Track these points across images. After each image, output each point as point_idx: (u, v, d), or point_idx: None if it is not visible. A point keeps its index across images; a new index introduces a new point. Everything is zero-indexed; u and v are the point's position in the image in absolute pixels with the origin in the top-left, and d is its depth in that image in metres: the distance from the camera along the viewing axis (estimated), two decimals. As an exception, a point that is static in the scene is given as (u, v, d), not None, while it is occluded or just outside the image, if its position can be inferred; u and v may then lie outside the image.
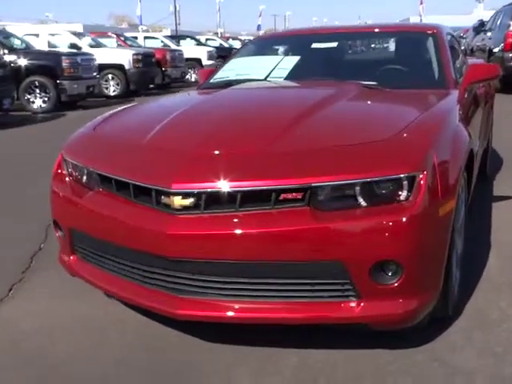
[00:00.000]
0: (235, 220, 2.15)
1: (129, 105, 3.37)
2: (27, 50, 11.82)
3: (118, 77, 14.07)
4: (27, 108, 11.35)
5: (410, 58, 3.70)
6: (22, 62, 11.25)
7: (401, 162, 2.16)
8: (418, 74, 3.47)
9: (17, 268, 3.38)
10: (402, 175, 2.12)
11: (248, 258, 2.14)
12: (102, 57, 13.43)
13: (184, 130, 2.58)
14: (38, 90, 11.35)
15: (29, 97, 11.34)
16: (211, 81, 3.84)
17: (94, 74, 12.48)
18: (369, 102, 2.97)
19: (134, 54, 14.15)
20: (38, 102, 11.38)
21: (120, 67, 13.99)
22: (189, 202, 2.19)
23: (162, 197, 2.24)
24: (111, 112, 3.10)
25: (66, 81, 11.38)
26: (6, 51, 11.29)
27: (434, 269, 2.23)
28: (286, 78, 3.55)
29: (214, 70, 4.08)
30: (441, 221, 2.21)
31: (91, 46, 14.25)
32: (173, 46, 18.75)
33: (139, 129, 2.66)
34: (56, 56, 11.64)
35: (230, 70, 3.88)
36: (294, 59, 3.71)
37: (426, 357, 2.33)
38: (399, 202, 2.13)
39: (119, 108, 3.24)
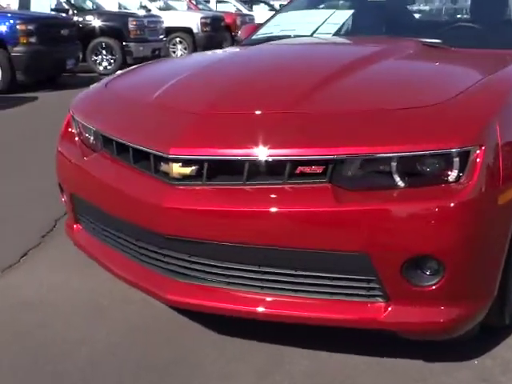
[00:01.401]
0: (241, 195, 1.78)
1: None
2: (95, 11, 11.76)
3: (185, 40, 13.81)
4: (94, 69, 11.33)
5: (484, 11, 3.11)
6: (90, 22, 11.20)
7: (452, 132, 1.70)
8: (493, 30, 2.88)
9: (38, 231, 3.17)
10: (452, 150, 1.67)
11: (253, 241, 1.76)
12: (170, 20, 13.18)
13: (197, 87, 2.20)
14: (104, 52, 11.29)
15: (95, 58, 11.29)
16: (253, 37, 3.43)
17: (161, 36, 12.27)
18: (424, 62, 2.46)
19: (202, 18, 13.80)
20: (104, 64, 11.34)
21: (188, 31, 13.70)
22: (189, 170, 1.83)
23: (161, 163, 1.90)
24: (132, 67, 2.78)
25: (132, 43, 11.24)
26: (75, 11, 11.29)
27: (486, 270, 1.77)
28: (334, 34, 3.09)
29: (258, 25, 3.67)
30: (500, 211, 1.74)
31: (161, 9, 14.05)
32: (244, 11, 18.28)
33: (151, 86, 2.30)
34: (123, 17, 11.50)
35: (275, 26, 3.44)
36: (346, 13, 3.24)
37: (472, 375, 1.90)
38: (447, 183, 1.68)
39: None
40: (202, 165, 1.81)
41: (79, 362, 2.01)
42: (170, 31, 13.13)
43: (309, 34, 3.14)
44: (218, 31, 14.51)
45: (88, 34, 11.15)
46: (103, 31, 11.24)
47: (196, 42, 13.79)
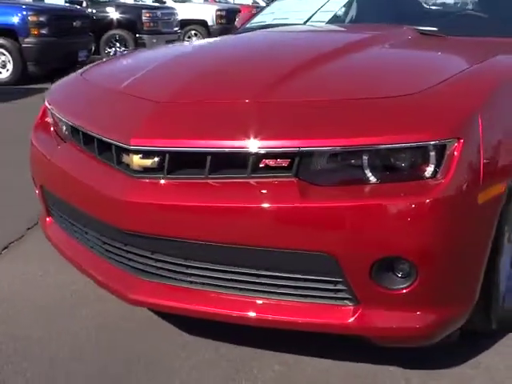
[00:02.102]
0: (203, 189, 1.67)
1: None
2: (110, 3, 11.72)
3: (200, 33, 13.70)
4: (107, 62, 11.32)
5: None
6: (104, 14, 11.17)
7: (427, 124, 1.57)
8: (493, 18, 2.71)
9: (25, 223, 3.11)
10: (427, 143, 1.54)
11: (213, 239, 1.66)
12: (185, 12, 13.09)
13: (165, 76, 2.08)
14: (118, 44, 11.26)
15: (109, 50, 11.26)
16: (247, 26, 3.31)
17: (175, 29, 12.19)
18: (413, 50, 2.32)
19: (217, 10, 13.68)
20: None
21: (203, 23, 13.60)
22: (150, 162, 1.72)
23: (123, 155, 1.80)
24: (111, 57, 2.69)
25: (146, 35, 11.19)
26: (88, 3, 11.27)
27: (465, 274, 1.64)
28: (328, 22, 2.96)
29: (253, 14, 3.55)
30: (480, 210, 1.60)
31: (176, 1, 13.96)
32: (262, 3, 18.11)
33: (123, 75, 2.20)
34: (137, 9, 11.45)
35: (269, 14, 3.32)
36: (342, 1, 3.10)
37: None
38: (422, 179, 1.56)
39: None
40: (163, 157, 1.71)
41: (39, 360, 1.93)
42: (184, 24, 13.05)
43: (301, 22, 3.01)
44: (234, 23, 14.40)
45: (102, 25, 11.12)
46: (117, 23, 11.20)
47: (211, 34, 13.68)
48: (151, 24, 11.29)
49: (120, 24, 11.18)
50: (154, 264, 1.80)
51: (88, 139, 1.98)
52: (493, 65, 1.96)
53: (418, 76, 1.85)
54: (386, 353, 1.87)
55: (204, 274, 1.73)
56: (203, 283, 1.75)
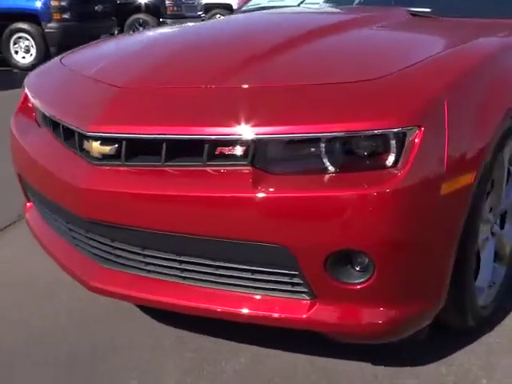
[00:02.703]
0: (159, 177, 1.62)
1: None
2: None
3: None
4: (131, 46, 11.34)
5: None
6: (128, -1, 11.20)
7: (388, 110, 1.48)
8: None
9: (16, 211, 3.12)
10: (386, 130, 1.45)
11: (169, 228, 1.61)
12: (210, -5, 13.02)
13: (135, 60, 2.02)
14: (141, 28, 11.26)
15: (133, 35, 11.31)
16: (243, 8, 3.23)
17: (199, 13, 12.12)
18: (398, 32, 2.19)
19: (242, -7, 13.59)
20: (141, 41, 11.33)
21: (228, 7, 13.44)
22: (108, 149, 1.68)
23: (84, 141, 1.76)
24: (93, 42, 2.65)
25: (169, 19, 11.16)
26: (112, -13, 11.30)
27: (429, 269, 1.55)
28: (323, 3, 2.85)
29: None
30: (444, 202, 1.50)
31: (201, -15, 13.88)
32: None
33: (97, 61, 2.16)
34: (160, -7, 11.44)
35: (268, -5, 3.23)
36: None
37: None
38: (382, 168, 1.47)
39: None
40: (121, 143, 1.67)
41: (16, 343, 1.94)
42: (209, 7, 12.95)
43: (296, 3, 2.91)
44: (260, 7, 14.25)
45: (126, 10, 11.15)
46: (140, 8, 11.21)
47: (236, 19, 13.57)
48: (174, 8, 11.28)
49: (144, 8, 11.20)
50: (113, 252, 1.77)
51: (56, 125, 1.95)
52: (472, 47, 1.84)
53: (391, 59, 1.75)
54: (357, 348, 1.80)
55: (161, 263, 1.69)
56: (161, 273, 1.71)
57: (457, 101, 1.55)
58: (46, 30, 8.85)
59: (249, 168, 1.54)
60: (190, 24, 2.83)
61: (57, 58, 2.40)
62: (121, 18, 10.64)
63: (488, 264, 1.91)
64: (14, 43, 9.01)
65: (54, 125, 1.98)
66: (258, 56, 1.80)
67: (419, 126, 1.45)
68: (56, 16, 8.96)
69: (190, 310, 1.67)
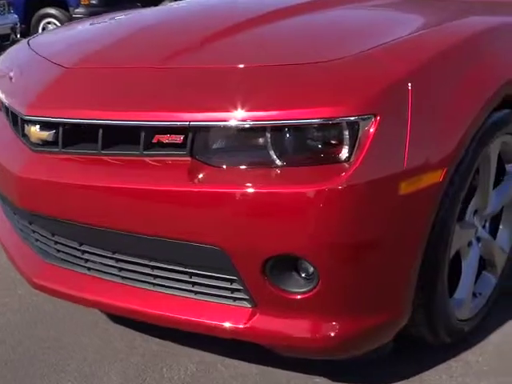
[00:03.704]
0: (96, 166, 1.48)
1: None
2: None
3: None
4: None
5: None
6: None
7: (340, 96, 1.29)
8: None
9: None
10: (339, 119, 1.27)
11: (103, 223, 1.47)
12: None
13: (88, 42, 1.86)
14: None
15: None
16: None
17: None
18: (369, 11, 1.93)
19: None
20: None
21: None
22: (46, 134, 1.55)
23: (25, 126, 1.64)
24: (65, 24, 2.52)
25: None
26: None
27: (385, 280, 1.36)
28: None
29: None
30: (403, 202, 1.31)
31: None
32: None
33: (62, 41, 2.03)
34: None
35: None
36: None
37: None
38: (335, 163, 1.29)
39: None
40: (58, 129, 1.53)
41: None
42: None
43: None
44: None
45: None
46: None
47: None
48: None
49: (175, -5, 11.12)
50: (54, 246, 1.65)
51: (7, 111, 1.83)
52: (450, 28, 1.61)
53: (355, 40, 1.54)
54: (315, 363, 1.63)
55: (99, 261, 1.56)
56: (99, 271, 1.57)
57: (425, 87, 1.35)
58: (74, 16, 8.85)
59: (188, 159, 1.38)
60: (155, 8, 2.65)
61: (25, 40, 2.28)
62: (145, 5, 10.57)
63: (470, 272, 1.70)
64: (43, 28, 9.06)
65: (6, 109, 1.86)
66: (205, 38, 1.62)
67: (374, 115, 1.26)
68: (84, 1, 8.97)
69: (127, 312, 1.53)
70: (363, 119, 1.26)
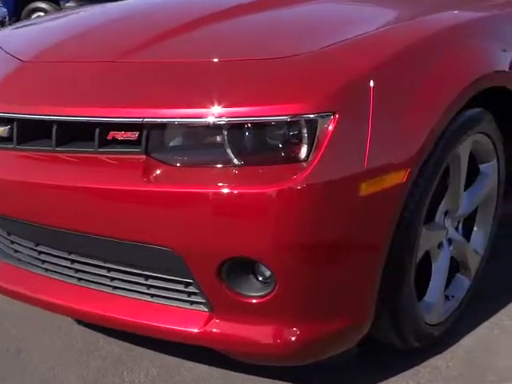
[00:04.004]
0: (48, 165, 1.43)
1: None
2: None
3: None
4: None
5: None
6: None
7: (297, 94, 1.23)
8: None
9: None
10: (296, 117, 1.22)
11: (58, 223, 1.41)
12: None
13: (50, 35, 1.81)
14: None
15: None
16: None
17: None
18: (338, 5, 1.89)
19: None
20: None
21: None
22: (1, 130, 1.50)
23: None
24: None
25: None
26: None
27: (344, 282, 1.31)
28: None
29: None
30: (363, 204, 1.25)
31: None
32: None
33: (28, 35, 1.97)
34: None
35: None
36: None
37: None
38: (292, 163, 1.24)
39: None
40: (13, 124, 1.48)
41: None
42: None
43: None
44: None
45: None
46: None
47: None
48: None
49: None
50: (11, 246, 1.60)
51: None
52: (419, 23, 1.55)
53: (319, 35, 1.48)
54: (277, 366, 1.58)
55: (55, 261, 1.51)
56: (56, 272, 1.52)
57: (388, 84, 1.30)
58: (64, 10, 8.77)
59: (143, 157, 1.33)
60: (120, 2, 2.58)
61: None
62: None
63: (441, 275, 1.65)
64: (33, 22, 8.98)
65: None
66: (164, 33, 1.56)
67: (333, 113, 1.21)
68: (75, -5, 8.88)
69: (82, 315, 1.49)
70: (321, 117, 1.20)
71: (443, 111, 1.36)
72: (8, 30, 2.25)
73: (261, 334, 1.31)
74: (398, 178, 1.30)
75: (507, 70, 1.65)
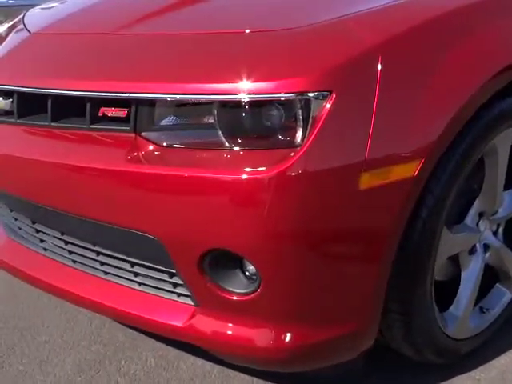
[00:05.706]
0: (45, 139, 1.37)
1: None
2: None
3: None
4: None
5: None
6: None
7: (292, 69, 1.09)
8: None
9: None
10: (289, 96, 1.07)
11: (48, 201, 1.36)
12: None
13: (65, 10, 1.75)
14: None
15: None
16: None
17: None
18: None
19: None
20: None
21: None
22: (3, 103, 1.46)
23: (-8, 95, 1.55)
24: None
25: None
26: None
27: (342, 285, 1.15)
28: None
29: None
30: (364, 199, 1.09)
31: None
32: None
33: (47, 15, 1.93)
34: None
35: None
36: None
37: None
38: (281, 146, 1.10)
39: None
40: (13, 97, 1.43)
41: None
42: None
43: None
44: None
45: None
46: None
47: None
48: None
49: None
50: (15, 223, 1.56)
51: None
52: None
53: (325, 7, 1.31)
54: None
55: (52, 241, 1.46)
56: (53, 252, 1.47)
57: (400, 63, 1.13)
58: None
59: (131, 135, 1.24)
60: None
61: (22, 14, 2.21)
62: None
63: (471, 284, 1.44)
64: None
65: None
66: (166, 7, 1.47)
67: (330, 92, 1.06)
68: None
69: (74, 299, 1.42)
70: (316, 96, 1.06)
71: (470, 96, 1.17)
72: (38, 8, 2.23)
73: (245, 335, 1.18)
74: (409, 170, 1.12)
75: None
